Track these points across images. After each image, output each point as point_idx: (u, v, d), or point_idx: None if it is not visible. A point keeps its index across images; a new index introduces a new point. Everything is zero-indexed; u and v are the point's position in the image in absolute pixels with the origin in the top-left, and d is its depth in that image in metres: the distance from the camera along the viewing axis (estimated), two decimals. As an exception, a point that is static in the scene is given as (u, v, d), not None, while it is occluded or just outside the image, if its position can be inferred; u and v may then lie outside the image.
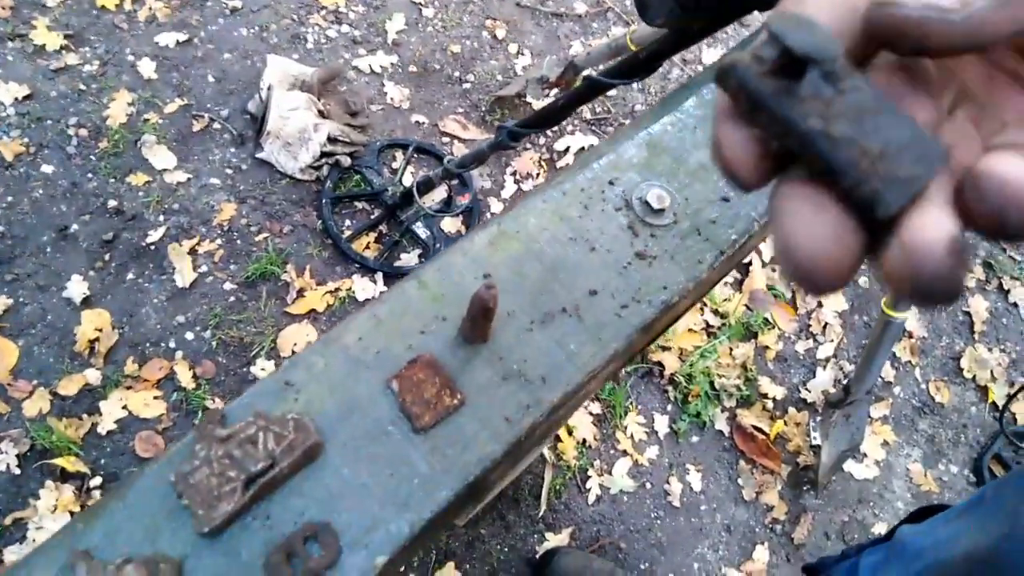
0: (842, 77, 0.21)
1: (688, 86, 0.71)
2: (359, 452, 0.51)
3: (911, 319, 2.07)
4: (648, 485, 1.74)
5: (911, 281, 0.19)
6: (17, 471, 1.49)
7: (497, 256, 0.60)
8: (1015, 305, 2.17)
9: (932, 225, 0.19)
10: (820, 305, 2.03)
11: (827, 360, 1.97)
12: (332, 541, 0.48)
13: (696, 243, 0.63)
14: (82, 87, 1.92)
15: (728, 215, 0.64)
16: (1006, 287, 2.19)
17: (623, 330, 0.59)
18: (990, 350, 2.08)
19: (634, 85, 2.29)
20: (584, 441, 1.73)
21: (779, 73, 0.22)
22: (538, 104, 2.13)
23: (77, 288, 1.66)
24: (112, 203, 1.78)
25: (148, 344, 1.66)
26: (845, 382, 1.68)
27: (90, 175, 1.81)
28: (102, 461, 1.54)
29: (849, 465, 1.84)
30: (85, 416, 1.57)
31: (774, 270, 2.04)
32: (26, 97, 1.86)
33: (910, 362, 2.02)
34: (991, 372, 2.04)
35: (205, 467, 0.48)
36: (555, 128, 2.13)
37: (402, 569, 1.53)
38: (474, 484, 0.52)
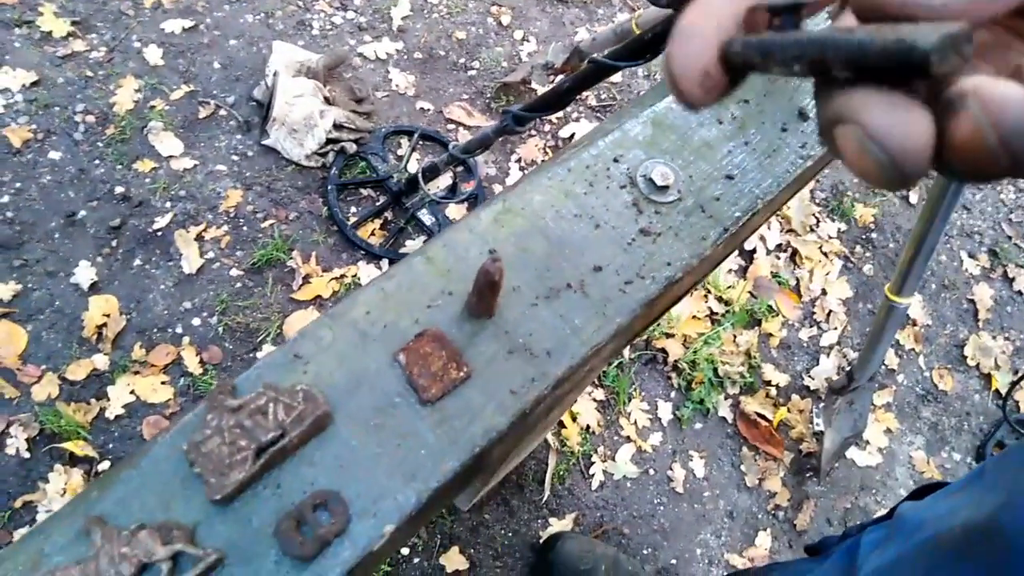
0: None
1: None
2: (367, 423, 0.52)
3: (915, 306, 2.07)
4: (651, 471, 1.75)
5: (997, 134, 0.18)
6: (27, 455, 1.51)
7: (502, 232, 0.61)
8: (1020, 293, 2.16)
9: (998, 83, 0.19)
10: (824, 293, 2.03)
11: (831, 347, 1.97)
12: (341, 509, 0.49)
13: (700, 220, 0.63)
14: (89, 74, 1.92)
15: (732, 192, 0.65)
16: (1011, 275, 2.18)
17: (627, 305, 0.59)
18: (994, 338, 2.08)
19: (639, 71, 2.29)
20: (588, 427, 1.74)
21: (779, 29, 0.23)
22: (543, 91, 2.13)
23: (85, 274, 1.67)
24: (119, 189, 1.79)
25: (155, 330, 1.67)
26: (848, 369, 1.68)
27: (97, 161, 1.81)
28: (110, 445, 1.56)
29: (852, 452, 1.85)
30: (93, 401, 1.58)
31: (778, 257, 2.04)
32: (33, 84, 1.86)
33: (914, 349, 2.03)
34: (995, 360, 2.04)
35: (217, 436, 0.49)
36: (560, 115, 2.13)
37: (407, 552, 1.54)
38: (480, 455, 0.53)
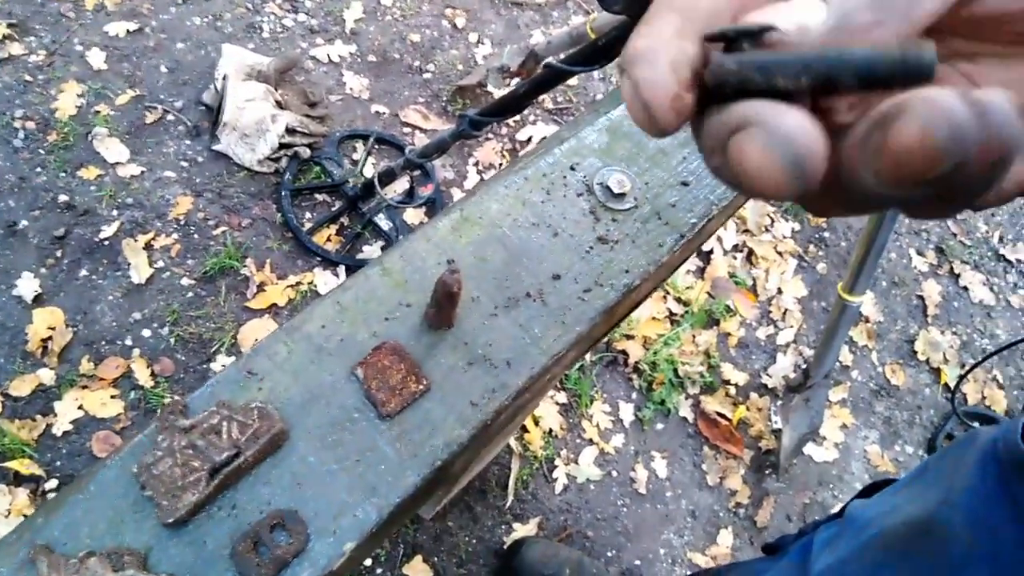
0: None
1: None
2: (325, 439, 0.51)
3: (867, 303, 2.12)
4: (614, 473, 1.76)
5: (949, 132, 0.17)
6: (-32, 475, 1.45)
7: (460, 242, 0.60)
8: (965, 289, 2.23)
9: (940, 90, 0.18)
10: (780, 292, 2.07)
11: (787, 345, 2.01)
12: (300, 528, 0.48)
13: (656, 227, 0.64)
14: (28, 78, 1.86)
15: (687, 199, 0.65)
16: (957, 271, 2.25)
17: (586, 313, 0.59)
18: (942, 333, 2.14)
19: (595, 74, 2.30)
20: (550, 431, 1.74)
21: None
22: (499, 93, 2.13)
23: (28, 286, 1.62)
24: (63, 198, 1.73)
25: (104, 342, 1.62)
26: (804, 367, 1.71)
27: (39, 169, 1.75)
28: (58, 463, 1.51)
29: (809, 448, 1.89)
30: (39, 417, 1.52)
31: (735, 258, 2.07)
32: (-31, 89, 1.79)
33: (867, 346, 2.07)
34: (943, 354, 2.10)
35: (168, 457, 0.47)
36: (517, 118, 2.13)
37: (369, 563, 1.52)
38: (441, 468, 0.52)
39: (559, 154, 0.66)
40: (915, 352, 2.09)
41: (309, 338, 0.54)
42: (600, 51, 0.99)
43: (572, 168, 0.65)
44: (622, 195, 0.64)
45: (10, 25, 1.89)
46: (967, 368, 1.96)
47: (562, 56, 1.16)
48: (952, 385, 2.02)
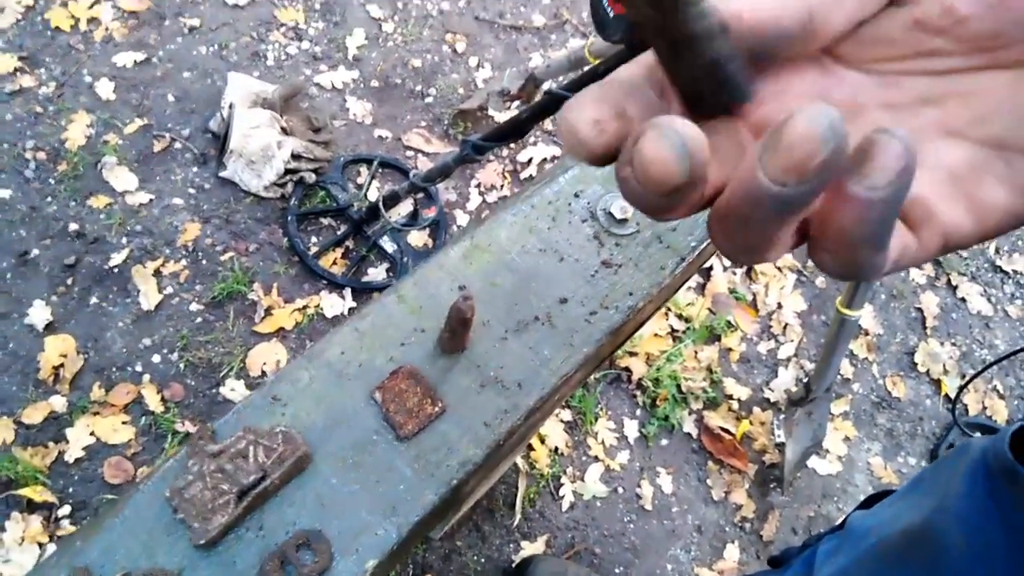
0: None
1: (647, 101, 0.75)
2: (346, 461, 0.53)
3: (867, 316, 2.14)
4: (620, 490, 1.77)
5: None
6: (-18, 503, 1.47)
7: (471, 269, 0.63)
8: (963, 300, 2.26)
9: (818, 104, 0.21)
10: (780, 306, 2.09)
11: (788, 359, 2.03)
12: (324, 548, 0.50)
13: (658, 250, 0.66)
14: (39, 110, 1.89)
15: (687, 223, 0.68)
16: (954, 283, 2.28)
17: (593, 335, 0.62)
18: (942, 344, 2.16)
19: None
20: (556, 449, 1.76)
21: None
22: (500, 116, 2.17)
23: (39, 314, 1.64)
24: (73, 226, 1.76)
25: (114, 368, 1.64)
26: (806, 380, 1.73)
27: (50, 199, 1.79)
28: (70, 489, 1.52)
29: (813, 461, 1.90)
30: (51, 444, 1.54)
31: (735, 273, 2.10)
32: (-19, 121, 1.83)
33: (867, 359, 2.09)
34: (943, 366, 2.12)
35: (199, 482, 0.50)
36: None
37: (380, 583, 1.53)
38: (457, 487, 0.54)
39: (564, 182, 0.68)
40: (915, 364, 2.11)
41: (330, 364, 0.56)
42: (600, 78, 1.02)
43: (576, 196, 0.68)
44: (624, 221, 0.67)
45: (21, 58, 1.94)
46: (967, 379, 1.98)
47: (562, 80, 1.19)
48: (953, 396, 2.04)
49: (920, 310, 2.21)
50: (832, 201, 0.23)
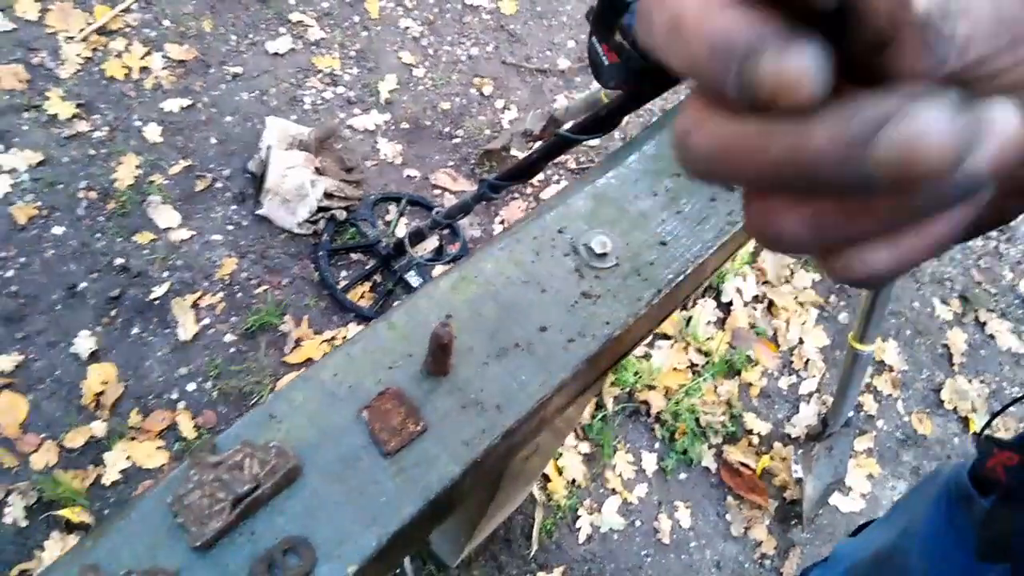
0: None
1: (631, 143, 0.80)
2: (333, 474, 0.58)
3: (891, 352, 2.12)
4: (638, 523, 1.78)
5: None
6: (24, 523, 1.55)
7: (458, 298, 0.68)
8: (992, 337, 2.22)
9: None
10: (801, 342, 2.09)
11: (810, 395, 2.02)
12: (309, 553, 0.55)
13: (636, 283, 0.70)
14: (92, 152, 2.03)
15: (665, 257, 0.72)
16: (982, 319, 2.25)
17: (570, 362, 0.66)
18: (970, 381, 2.13)
19: (615, 134, 2.40)
20: (574, 480, 1.78)
21: None
22: (523, 156, 2.24)
23: (84, 343, 1.74)
24: (119, 261, 1.87)
25: (151, 396, 1.73)
26: (823, 415, 1.73)
27: (98, 235, 1.90)
28: (106, 512, 1.60)
29: (835, 498, 1.88)
30: (90, 467, 1.63)
31: (755, 308, 2.11)
32: (40, 163, 1.96)
33: (891, 395, 2.07)
34: (972, 403, 2.09)
35: (198, 490, 0.55)
36: (541, 177, 2.23)
37: (398, 609, 1.56)
38: (435, 501, 0.59)
39: (549, 219, 0.73)
40: (942, 401, 2.08)
41: (322, 385, 0.62)
42: (600, 122, 1.08)
43: (560, 231, 0.73)
44: (604, 255, 0.71)
45: (79, 105, 2.08)
46: (993, 414, 1.95)
47: (571, 124, 1.25)
48: (980, 432, 2.00)
49: (947, 346, 2.18)
50: None
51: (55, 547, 1.54)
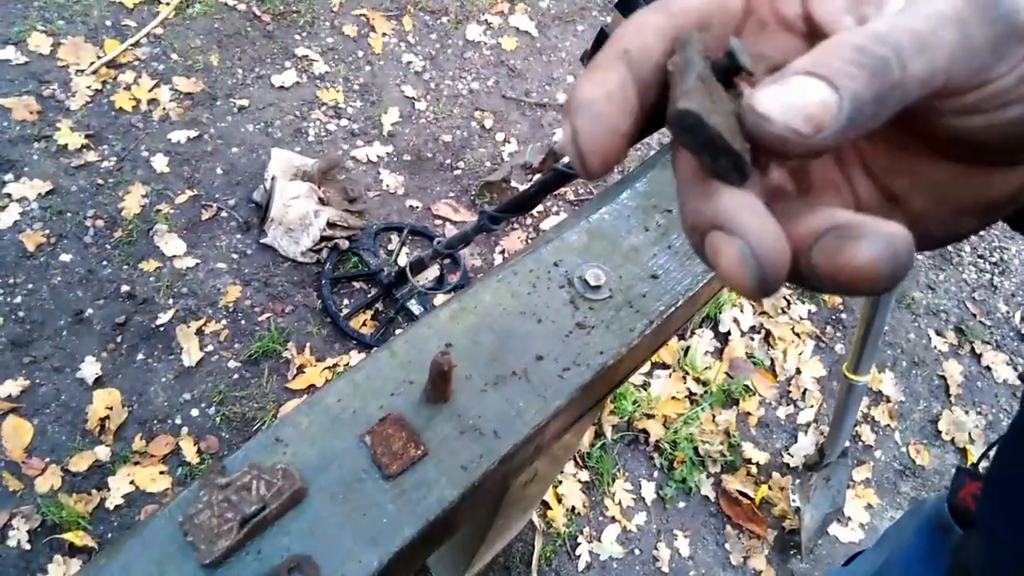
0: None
1: (624, 180, 0.83)
2: (337, 496, 0.61)
3: (887, 384, 2.14)
4: (637, 551, 1.79)
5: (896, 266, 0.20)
6: (28, 546, 1.56)
7: (457, 328, 0.71)
8: (988, 368, 2.24)
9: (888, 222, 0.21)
10: (798, 372, 2.11)
11: (808, 425, 2.04)
12: (313, 572, 0.57)
13: (628, 314, 0.73)
14: (100, 182, 2.07)
15: (656, 290, 0.75)
16: (978, 351, 2.27)
17: (565, 390, 0.69)
18: (967, 412, 2.15)
19: (614, 168, 2.44)
20: (573, 508, 1.79)
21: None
22: (523, 188, 2.28)
23: (90, 369, 1.77)
24: (125, 288, 1.90)
25: (155, 421, 1.75)
26: (819, 445, 1.75)
27: (105, 263, 1.94)
28: (109, 535, 1.61)
29: (834, 528, 1.89)
30: (94, 491, 1.64)
31: (752, 338, 2.14)
32: (49, 192, 2.01)
33: (889, 426, 2.09)
34: (969, 434, 2.10)
35: (207, 510, 0.58)
36: (541, 209, 2.27)
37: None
38: (434, 523, 0.61)
39: (544, 253, 0.77)
40: (939, 432, 2.10)
41: (327, 410, 0.64)
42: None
43: (555, 264, 0.76)
44: (598, 287, 0.74)
45: (88, 136, 2.13)
46: (988, 445, 1.96)
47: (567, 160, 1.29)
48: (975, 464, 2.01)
49: (943, 377, 2.20)
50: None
51: (58, 571, 1.55)
